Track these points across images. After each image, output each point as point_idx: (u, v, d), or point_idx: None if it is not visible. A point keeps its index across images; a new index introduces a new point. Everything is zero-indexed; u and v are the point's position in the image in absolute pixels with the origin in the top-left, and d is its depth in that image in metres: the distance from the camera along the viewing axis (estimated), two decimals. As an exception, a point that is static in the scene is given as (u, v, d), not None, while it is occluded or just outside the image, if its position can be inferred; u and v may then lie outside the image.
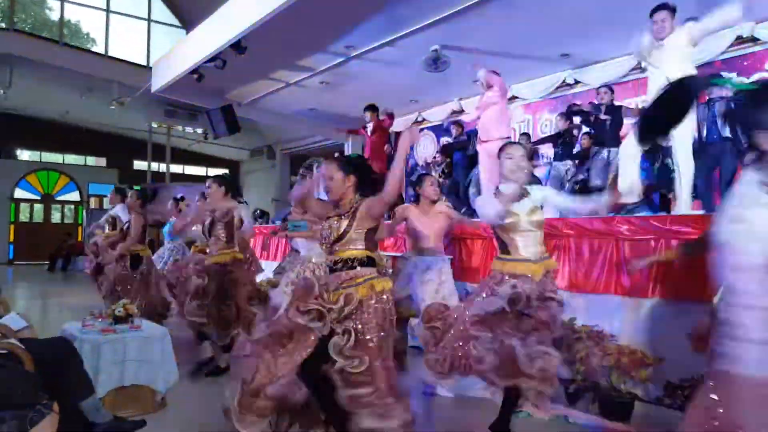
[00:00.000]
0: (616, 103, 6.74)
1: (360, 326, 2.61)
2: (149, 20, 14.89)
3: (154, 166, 17.13)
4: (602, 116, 6.43)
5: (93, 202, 20.07)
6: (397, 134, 11.20)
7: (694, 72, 4.50)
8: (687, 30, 4.44)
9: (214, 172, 21.58)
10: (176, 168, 19.53)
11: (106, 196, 20.06)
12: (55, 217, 19.76)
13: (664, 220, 4.11)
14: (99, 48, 14.83)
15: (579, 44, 7.44)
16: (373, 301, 2.65)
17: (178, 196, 7.25)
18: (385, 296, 2.69)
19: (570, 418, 3.56)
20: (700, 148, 5.19)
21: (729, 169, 5.30)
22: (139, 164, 20.09)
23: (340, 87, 9.54)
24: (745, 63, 7.01)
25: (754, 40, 6.69)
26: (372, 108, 8.38)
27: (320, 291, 2.70)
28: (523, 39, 7.32)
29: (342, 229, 2.73)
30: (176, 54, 9.71)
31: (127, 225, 6.03)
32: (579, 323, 4.05)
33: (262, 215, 11.94)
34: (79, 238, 19.21)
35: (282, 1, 6.38)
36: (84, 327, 3.77)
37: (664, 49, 4.50)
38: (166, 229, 7.80)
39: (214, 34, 8.12)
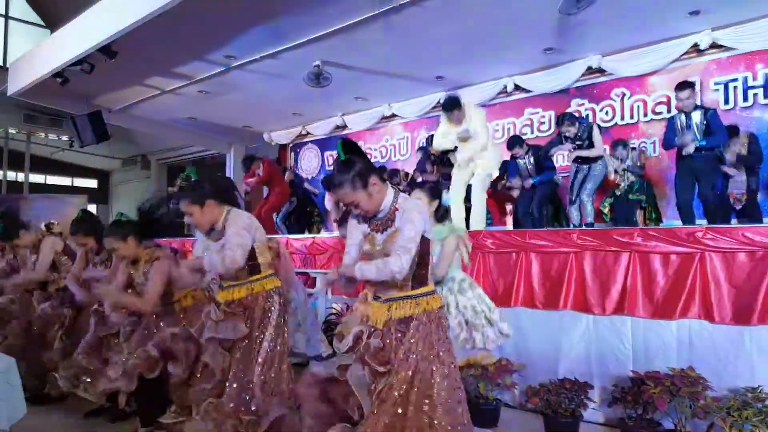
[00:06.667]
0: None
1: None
2: (6, 17, 13.62)
3: (11, 175, 15.58)
4: None
5: (-63, 214, 17.82)
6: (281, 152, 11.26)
7: None
8: None
9: (80, 182, 20.09)
10: (37, 178, 17.89)
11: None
12: None
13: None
14: (-54, 43, 13.35)
15: (452, 68, 7.86)
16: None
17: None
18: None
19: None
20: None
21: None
22: (-8, 173, 18.21)
23: (221, 97, 9.29)
24: (595, 91, 7.87)
25: (601, 71, 7.48)
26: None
27: None
28: (401, 60, 7.57)
29: None
30: (38, 55, 8.95)
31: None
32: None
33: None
34: None
35: (155, 6, 6.08)
36: None
37: None
38: None
39: (81, 36, 7.56)
